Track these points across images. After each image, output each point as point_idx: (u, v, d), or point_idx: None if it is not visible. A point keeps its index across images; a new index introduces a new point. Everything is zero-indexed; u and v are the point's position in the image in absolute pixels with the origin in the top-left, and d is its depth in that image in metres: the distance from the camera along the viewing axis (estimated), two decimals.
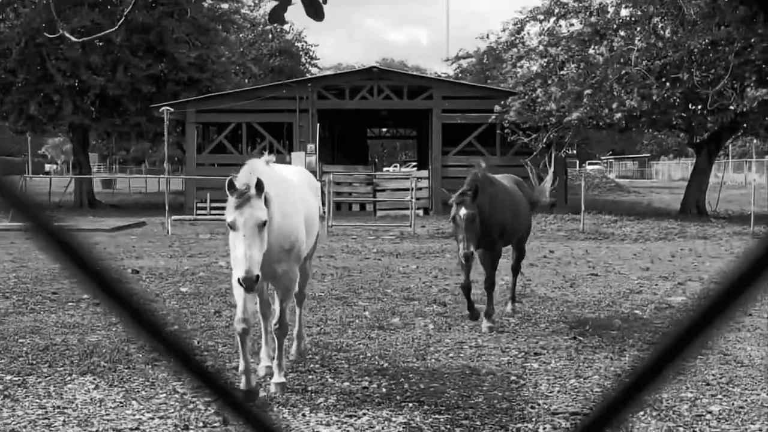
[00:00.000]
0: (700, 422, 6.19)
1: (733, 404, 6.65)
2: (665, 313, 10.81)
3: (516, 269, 11.18)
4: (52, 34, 25.60)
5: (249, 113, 33.70)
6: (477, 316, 9.60)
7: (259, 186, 6.06)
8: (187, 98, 35.03)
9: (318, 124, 33.34)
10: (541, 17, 28.26)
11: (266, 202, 6.13)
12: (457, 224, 8.71)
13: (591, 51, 26.49)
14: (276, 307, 7.19)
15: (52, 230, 0.72)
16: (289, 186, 7.07)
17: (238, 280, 5.87)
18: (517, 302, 11.03)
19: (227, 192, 6.09)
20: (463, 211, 8.60)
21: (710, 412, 6.42)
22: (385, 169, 61.79)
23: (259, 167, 6.37)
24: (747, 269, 0.72)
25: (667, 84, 24.85)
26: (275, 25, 56.95)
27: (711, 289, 0.77)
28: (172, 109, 30.36)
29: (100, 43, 35.38)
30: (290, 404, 6.61)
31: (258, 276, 5.83)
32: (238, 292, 6.54)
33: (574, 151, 31.66)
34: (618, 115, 24.56)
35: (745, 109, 23.37)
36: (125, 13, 6.13)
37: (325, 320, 10.06)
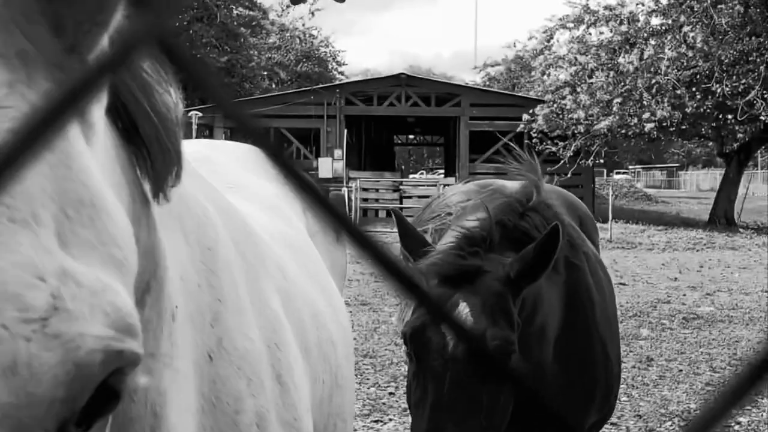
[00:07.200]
0: None
1: (762, 416, 6.60)
2: (693, 323, 10.73)
3: None
4: None
5: (277, 118, 33.82)
6: None
7: None
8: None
9: (345, 130, 33.43)
10: (571, 25, 28.17)
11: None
12: (425, 367, 2.78)
13: (621, 60, 26.36)
14: None
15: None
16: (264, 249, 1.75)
17: None
18: None
19: None
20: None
21: (739, 423, 6.38)
22: (411, 175, 61.79)
23: None
24: None
25: (698, 95, 24.67)
26: (301, 22, 57.08)
27: None
28: (200, 113, 30.58)
29: None
30: None
31: None
32: None
33: (602, 160, 31.37)
34: (649, 126, 24.42)
35: None
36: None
37: (352, 326, 10.08)
